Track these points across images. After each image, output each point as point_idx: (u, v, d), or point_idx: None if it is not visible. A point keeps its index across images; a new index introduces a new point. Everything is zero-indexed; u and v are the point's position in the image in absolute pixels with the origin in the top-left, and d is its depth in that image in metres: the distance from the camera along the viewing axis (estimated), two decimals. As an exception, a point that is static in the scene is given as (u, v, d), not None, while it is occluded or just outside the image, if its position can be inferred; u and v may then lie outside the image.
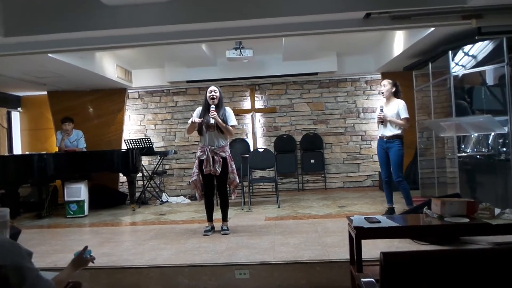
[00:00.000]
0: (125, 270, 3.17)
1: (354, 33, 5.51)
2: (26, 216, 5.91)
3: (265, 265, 3.08)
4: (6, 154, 6.94)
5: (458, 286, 1.27)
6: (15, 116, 7.63)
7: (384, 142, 4.45)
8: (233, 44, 5.52)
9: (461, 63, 4.77)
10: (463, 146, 4.80)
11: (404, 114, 4.34)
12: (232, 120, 4.18)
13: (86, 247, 2.04)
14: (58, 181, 6.44)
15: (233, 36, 4.35)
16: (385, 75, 6.74)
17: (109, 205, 6.39)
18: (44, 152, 6.03)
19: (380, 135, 4.52)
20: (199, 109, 4.22)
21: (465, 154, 4.61)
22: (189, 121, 4.14)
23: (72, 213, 5.64)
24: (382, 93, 4.55)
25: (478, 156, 4.61)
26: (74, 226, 5.06)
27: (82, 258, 1.99)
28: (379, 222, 2.40)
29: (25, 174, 5.45)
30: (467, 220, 2.35)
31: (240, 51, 5.43)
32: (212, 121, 4.01)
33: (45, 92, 7.21)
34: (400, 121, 4.33)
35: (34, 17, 3.91)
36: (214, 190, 4.28)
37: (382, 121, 4.43)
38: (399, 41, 5.45)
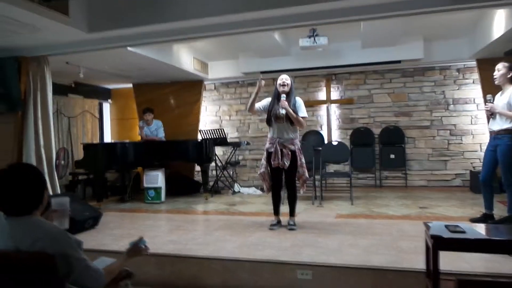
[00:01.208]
0: (188, 259, 3.20)
1: (443, 15, 4.93)
2: (112, 199, 6.40)
3: (330, 268, 2.87)
4: (97, 142, 7.59)
5: None
6: (106, 107, 8.30)
7: (492, 138, 3.84)
8: (306, 31, 5.28)
9: None
10: None
11: None
12: (303, 111, 3.98)
13: (142, 237, 2.05)
14: (140, 168, 6.87)
15: (306, 22, 4.15)
16: (481, 62, 5.95)
17: (184, 193, 6.63)
18: (127, 141, 6.44)
19: (489, 130, 3.93)
20: (268, 99, 4.10)
21: None
22: (254, 91, 3.87)
23: (150, 198, 5.95)
24: (495, 78, 3.87)
25: None
26: (150, 212, 5.32)
27: (137, 248, 2.00)
28: (464, 232, 2.04)
29: (110, 160, 5.87)
30: None
31: (314, 39, 5.18)
32: (283, 111, 3.85)
33: (131, 85, 7.71)
34: (510, 113, 3.62)
35: (112, 13, 4.13)
36: (282, 184, 4.14)
37: (492, 114, 3.80)
38: (500, 21, 4.70)
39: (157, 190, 5.97)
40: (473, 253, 2.74)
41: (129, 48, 4.93)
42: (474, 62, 6.20)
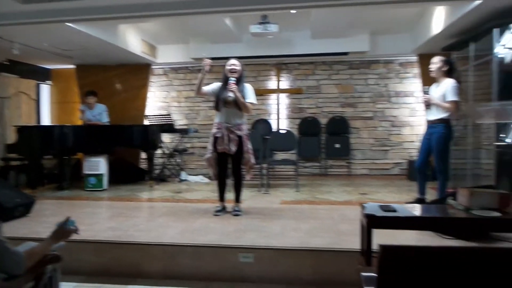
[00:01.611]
0: (128, 245, 3.08)
1: (389, 9, 5.13)
2: (49, 187, 6.02)
3: (271, 250, 2.90)
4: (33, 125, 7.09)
5: (461, 286, 1.03)
6: (45, 88, 7.76)
7: (428, 127, 4.06)
8: (258, 18, 5.25)
9: (508, 43, 4.27)
10: (503, 135, 4.34)
11: (450, 97, 3.81)
12: (251, 97, 3.97)
13: (69, 217, 1.92)
14: (81, 154, 6.52)
15: (256, 6, 4.12)
16: (422, 57, 6.27)
17: (129, 180, 6.40)
18: (65, 125, 6.07)
19: (426, 120, 4.15)
20: (217, 84, 4.03)
21: (504, 144, 4.16)
22: (200, 75, 3.82)
23: (91, 186, 5.67)
24: (431, 71, 4.07)
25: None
26: (90, 199, 5.07)
27: (63, 230, 1.87)
28: (395, 211, 2.14)
29: (46, 145, 5.50)
30: (498, 214, 2.04)
31: (265, 26, 5.15)
32: (231, 94, 3.81)
33: (73, 66, 7.27)
34: (445, 104, 3.83)
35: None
36: (227, 170, 4.11)
37: (428, 105, 4.00)
38: (439, 18, 4.98)
39: (98, 177, 5.69)
40: (407, 234, 2.91)
41: (69, 24, 4.61)
42: (416, 57, 6.54)
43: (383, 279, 1.04)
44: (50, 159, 6.40)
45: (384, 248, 1.04)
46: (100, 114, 6.27)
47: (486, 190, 2.30)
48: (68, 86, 7.65)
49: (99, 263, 3.08)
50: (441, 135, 3.89)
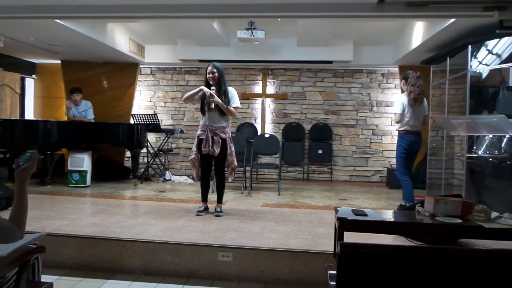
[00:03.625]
0: (109, 241, 3.15)
1: (371, 22, 5.33)
2: (31, 181, 5.94)
3: (249, 250, 3.00)
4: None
5: (418, 285, 1.15)
6: (29, 82, 7.71)
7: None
8: (245, 24, 5.38)
9: (481, 59, 4.50)
10: (474, 147, 4.57)
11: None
12: (235, 101, 4.07)
13: (19, 157, 1.81)
14: (65, 150, 6.51)
15: (243, 13, 4.22)
16: (402, 68, 6.50)
17: (112, 178, 6.42)
18: (50, 120, 6.06)
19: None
20: (201, 87, 4.12)
21: (475, 155, 4.38)
22: (195, 90, 4.00)
23: (74, 182, 5.68)
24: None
25: (490, 159, 4.38)
26: (73, 195, 5.09)
27: (21, 169, 1.79)
28: (366, 215, 2.28)
29: (29, 139, 5.50)
30: (459, 221, 2.20)
31: (252, 32, 5.29)
32: (212, 105, 3.93)
33: (59, 61, 7.25)
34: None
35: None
36: (211, 171, 4.20)
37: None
38: (418, 33, 5.20)
39: (82, 173, 5.71)
40: (381, 239, 3.06)
41: (58, 21, 4.64)
42: (397, 68, 6.77)
43: (341, 274, 1.15)
44: (32, 154, 6.36)
45: (342, 245, 1.15)
46: (86, 111, 6.29)
47: (450, 198, 2.46)
48: (53, 81, 7.63)
49: (80, 258, 3.13)
50: (397, 145, 4.46)
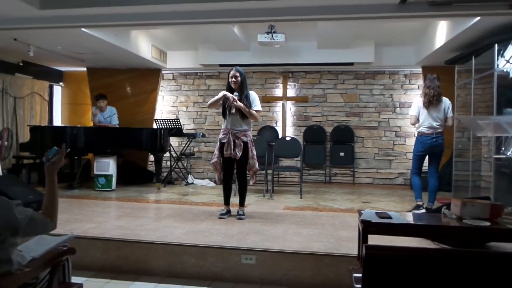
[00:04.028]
0: (134, 244, 3.22)
1: (393, 22, 5.26)
2: (60, 186, 6.12)
3: (272, 253, 3.01)
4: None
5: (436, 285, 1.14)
6: (57, 90, 7.98)
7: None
8: (265, 28, 5.40)
9: (508, 58, 4.37)
10: (503, 148, 4.43)
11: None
12: (256, 105, 4.10)
13: (48, 150, 1.91)
14: (91, 155, 6.70)
15: (264, 17, 4.25)
16: (426, 69, 6.39)
17: (137, 182, 6.55)
18: (77, 126, 6.25)
19: None
20: (223, 92, 4.16)
21: (504, 157, 4.25)
22: (220, 95, 4.05)
23: (100, 186, 5.83)
24: None
25: (519, 160, 4.25)
26: (99, 199, 5.22)
27: (51, 163, 1.88)
28: (390, 218, 2.25)
29: (57, 145, 5.66)
30: (487, 224, 2.15)
31: (272, 36, 5.30)
32: (233, 110, 3.97)
33: (85, 69, 7.47)
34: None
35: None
36: (233, 174, 4.24)
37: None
38: (442, 32, 5.09)
39: (107, 177, 5.85)
40: (406, 242, 3.00)
41: (84, 30, 4.80)
42: (420, 69, 6.65)
43: (367, 277, 1.15)
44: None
45: (368, 248, 1.15)
46: (111, 116, 6.46)
47: (478, 200, 2.40)
48: (79, 88, 7.86)
49: (107, 260, 3.22)
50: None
